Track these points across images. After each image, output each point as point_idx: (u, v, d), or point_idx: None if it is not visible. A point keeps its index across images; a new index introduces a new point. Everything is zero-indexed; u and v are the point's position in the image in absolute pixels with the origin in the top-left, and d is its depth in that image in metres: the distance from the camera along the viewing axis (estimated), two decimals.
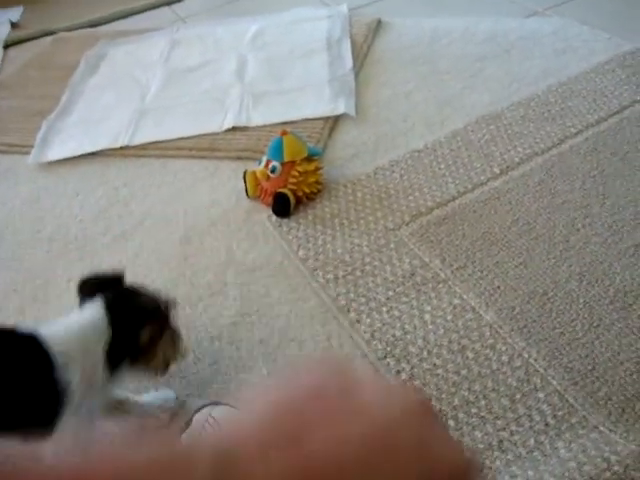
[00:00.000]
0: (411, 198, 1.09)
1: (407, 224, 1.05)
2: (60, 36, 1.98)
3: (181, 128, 1.40)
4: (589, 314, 0.88)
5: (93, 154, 1.39)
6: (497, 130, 1.23)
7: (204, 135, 1.36)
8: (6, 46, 1.98)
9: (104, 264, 1.10)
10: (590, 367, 0.82)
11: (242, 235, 1.11)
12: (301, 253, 1.03)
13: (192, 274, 1.06)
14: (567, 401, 0.78)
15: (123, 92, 1.60)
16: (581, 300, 0.90)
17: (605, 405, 0.77)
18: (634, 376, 0.80)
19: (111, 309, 0.74)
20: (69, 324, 0.74)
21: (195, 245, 1.12)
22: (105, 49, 1.84)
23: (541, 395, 0.79)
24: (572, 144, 1.18)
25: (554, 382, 0.80)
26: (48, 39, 1.97)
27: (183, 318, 0.96)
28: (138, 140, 1.40)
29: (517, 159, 1.15)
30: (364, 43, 1.58)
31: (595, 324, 0.87)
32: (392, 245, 1.01)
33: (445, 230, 1.02)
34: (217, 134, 1.36)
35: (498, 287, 0.92)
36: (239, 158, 1.28)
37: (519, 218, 1.03)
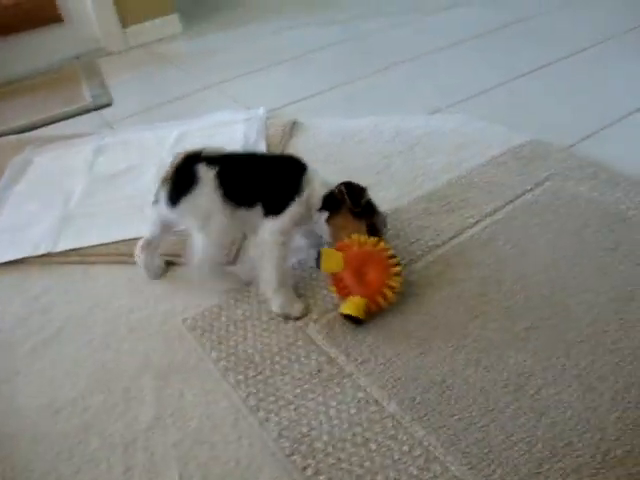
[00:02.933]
0: (319, 296, 1.15)
1: (315, 321, 1.10)
2: None
3: (103, 234, 1.44)
4: (485, 399, 0.93)
5: (15, 262, 1.41)
6: (401, 224, 1.31)
7: (125, 241, 1.40)
8: None
9: (21, 374, 1.11)
10: (486, 450, 0.86)
11: (159, 339, 1.14)
12: (214, 355, 1.06)
13: (109, 380, 1.07)
14: None
15: (47, 199, 1.63)
16: (477, 385, 0.95)
17: None
18: (526, 456, 0.85)
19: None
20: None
21: (113, 351, 1.13)
22: (31, 156, 1.88)
23: None
24: (471, 234, 1.27)
25: (453, 468, 0.84)
26: None
27: (98, 425, 0.98)
28: (60, 247, 1.43)
29: (419, 252, 1.23)
30: (279, 144, 1.68)
31: (490, 408, 0.92)
32: (300, 342, 1.05)
33: (350, 325, 1.07)
34: (137, 239, 1.39)
35: (399, 378, 0.97)
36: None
37: (420, 310, 1.09)
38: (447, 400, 0.93)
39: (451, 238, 1.26)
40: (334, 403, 0.95)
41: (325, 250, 1.09)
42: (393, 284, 1.06)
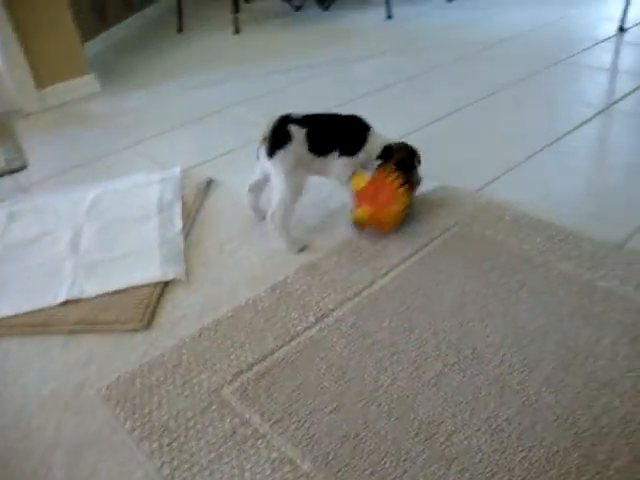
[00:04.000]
0: (233, 357, 1.15)
1: (229, 383, 1.10)
2: None
3: (16, 305, 1.40)
4: (397, 449, 0.95)
5: None
6: (313, 279, 1.34)
7: (37, 311, 1.37)
8: None
9: None
10: None
11: (71, 413, 1.11)
12: (128, 425, 1.04)
13: (17, 460, 1.04)
14: None
15: None
16: (389, 437, 0.97)
17: None
18: None
19: None
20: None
21: (23, 429, 1.10)
22: None
23: None
24: (381, 285, 1.30)
25: None
26: None
27: None
28: None
29: (331, 306, 1.25)
30: (194, 203, 1.69)
31: (403, 458, 0.93)
32: (215, 406, 1.05)
33: (264, 385, 1.08)
34: (50, 309, 1.37)
35: (313, 435, 0.98)
36: (72, 332, 1.30)
37: (332, 364, 1.11)
38: (360, 454, 0.94)
39: (362, 290, 1.29)
40: (249, 465, 0.94)
41: (356, 174, 1.50)
42: (395, 208, 1.45)
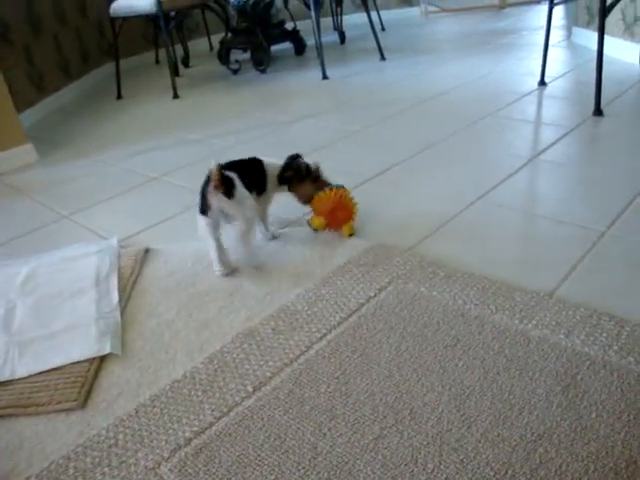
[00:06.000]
0: (171, 432, 1.13)
1: (167, 460, 1.07)
2: None
3: None
4: None
5: None
6: (250, 347, 1.33)
7: None
8: None
9: None
10: None
11: None
12: None
13: None
14: None
15: None
16: None
17: None
18: None
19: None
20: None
21: None
22: None
23: None
24: (317, 349, 1.31)
25: None
26: None
27: None
28: None
29: (269, 373, 1.25)
30: (131, 275, 1.68)
31: None
32: None
33: (203, 460, 1.06)
34: None
35: None
36: (0, 417, 1.25)
37: (271, 434, 1.10)
38: None
39: (298, 356, 1.29)
40: None
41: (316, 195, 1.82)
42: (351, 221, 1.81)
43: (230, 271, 1.67)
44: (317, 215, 1.81)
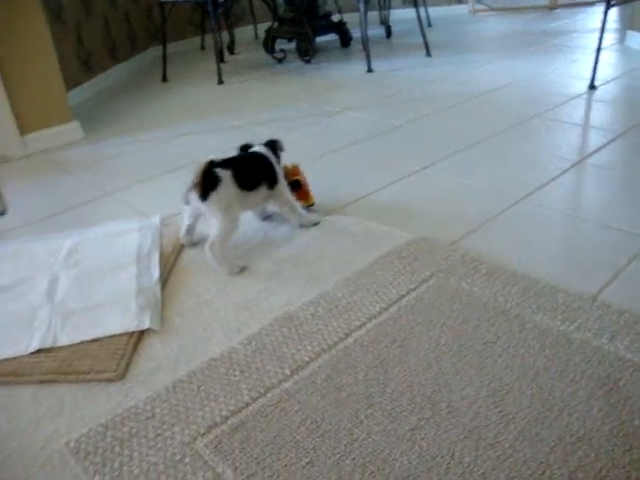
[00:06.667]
0: (207, 409, 1.14)
1: (202, 436, 1.08)
2: None
3: None
4: None
5: None
6: (289, 331, 1.33)
7: (8, 360, 1.35)
8: None
9: None
10: None
11: (38, 466, 1.08)
12: (97, 479, 1.02)
13: None
14: None
15: None
16: None
17: None
18: None
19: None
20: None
21: None
22: None
23: None
24: (356, 337, 1.30)
25: None
26: None
27: None
28: None
29: (307, 358, 1.25)
30: (172, 253, 1.69)
31: None
32: (187, 460, 1.03)
33: (238, 438, 1.07)
34: (22, 357, 1.35)
35: None
36: (42, 382, 1.28)
37: (307, 417, 1.10)
38: None
39: (337, 343, 1.29)
40: None
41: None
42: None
43: (189, 245, 1.75)
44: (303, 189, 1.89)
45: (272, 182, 1.71)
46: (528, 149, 2.33)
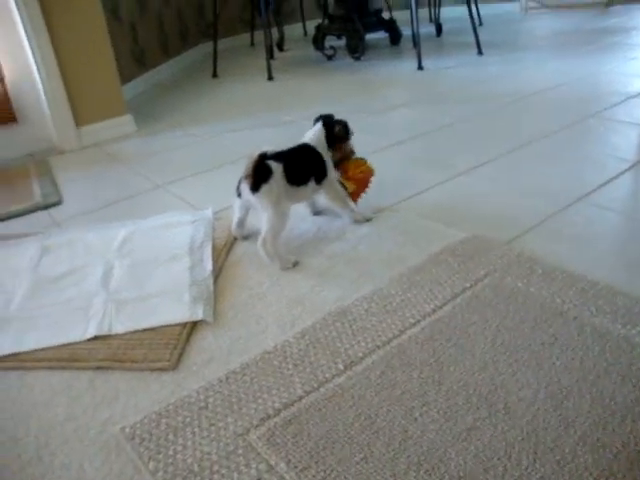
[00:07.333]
0: (260, 401, 1.14)
1: (256, 427, 1.08)
2: None
3: (43, 338, 1.41)
4: None
5: None
6: (342, 326, 1.32)
7: (65, 345, 1.37)
8: None
9: None
10: None
11: (95, 450, 1.10)
12: (151, 466, 1.03)
13: None
14: None
15: None
16: None
17: None
18: None
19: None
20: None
21: (45, 465, 1.09)
22: None
23: None
24: (411, 334, 1.29)
25: None
26: None
27: None
28: None
29: (360, 354, 1.24)
30: (225, 246, 1.70)
31: None
32: (240, 451, 1.03)
33: (291, 431, 1.06)
34: (78, 344, 1.37)
35: None
36: (99, 368, 1.30)
37: (361, 413, 1.09)
38: None
39: (391, 339, 1.27)
40: None
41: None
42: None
43: (240, 238, 1.76)
44: (351, 179, 1.80)
45: (321, 176, 1.70)
46: (585, 149, 2.27)
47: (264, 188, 1.54)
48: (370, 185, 1.85)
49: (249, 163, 1.53)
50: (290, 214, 1.65)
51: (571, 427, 1.04)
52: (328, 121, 1.76)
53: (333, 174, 1.74)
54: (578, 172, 2.06)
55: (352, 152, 1.81)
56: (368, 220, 1.80)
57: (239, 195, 1.64)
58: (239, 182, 1.61)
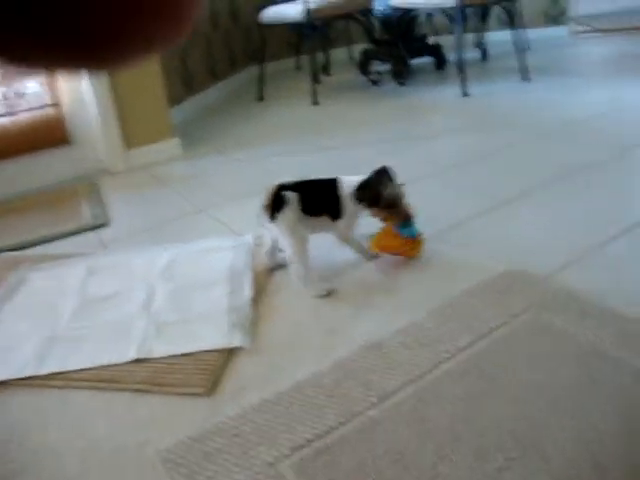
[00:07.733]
0: (292, 431, 1.15)
1: (287, 457, 1.10)
2: None
3: (87, 359, 1.46)
4: None
5: None
6: (376, 358, 1.33)
7: (107, 366, 1.42)
8: None
9: None
10: None
11: (131, 472, 1.13)
12: None
13: None
14: None
15: (37, 319, 1.66)
16: None
17: None
18: None
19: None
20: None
21: None
22: (25, 274, 1.93)
23: None
24: (445, 369, 1.29)
25: None
26: None
27: None
28: (45, 370, 1.44)
29: (393, 387, 1.24)
30: (263, 273, 1.73)
31: None
32: None
33: (322, 462, 1.07)
34: (119, 365, 1.42)
35: None
36: (137, 390, 1.33)
37: (391, 447, 1.09)
38: None
39: (424, 373, 1.28)
40: None
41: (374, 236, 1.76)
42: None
43: (273, 265, 1.78)
44: (379, 246, 1.76)
45: (335, 214, 1.69)
46: (633, 180, 2.24)
47: (280, 216, 1.61)
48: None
49: (267, 193, 1.63)
50: (320, 242, 1.71)
51: (606, 476, 1.02)
52: (373, 179, 1.68)
53: (349, 219, 1.71)
54: (624, 204, 2.03)
55: (407, 216, 1.70)
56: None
57: (260, 224, 1.70)
58: (258, 212, 1.67)
